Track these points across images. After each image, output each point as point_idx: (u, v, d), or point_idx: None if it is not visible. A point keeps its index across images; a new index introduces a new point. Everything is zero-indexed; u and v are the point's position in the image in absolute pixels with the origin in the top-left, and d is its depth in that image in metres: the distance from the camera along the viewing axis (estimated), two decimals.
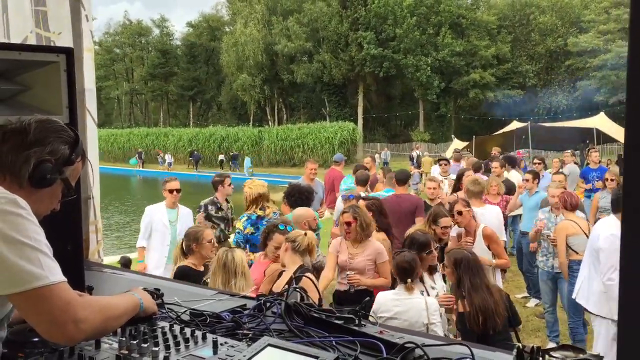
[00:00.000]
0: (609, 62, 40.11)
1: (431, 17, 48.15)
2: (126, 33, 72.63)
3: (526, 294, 8.12)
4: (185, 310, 1.96)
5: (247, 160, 42.03)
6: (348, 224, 5.01)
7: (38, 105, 2.15)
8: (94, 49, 3.13)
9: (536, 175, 8.40)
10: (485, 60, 47.63)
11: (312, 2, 52.72)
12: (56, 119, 1.74)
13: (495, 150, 15.76)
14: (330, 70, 50.53)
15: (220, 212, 7.14)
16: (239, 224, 6.39)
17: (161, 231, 6.77)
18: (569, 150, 15.33)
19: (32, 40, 2.99)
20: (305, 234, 4.30)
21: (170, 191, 6.80)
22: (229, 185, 7.20)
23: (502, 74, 48.02)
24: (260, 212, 6.36)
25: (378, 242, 5.20)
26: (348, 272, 4.96)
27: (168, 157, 46.12)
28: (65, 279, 1.43)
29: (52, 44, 2.98)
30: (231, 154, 45.16)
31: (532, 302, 7.80)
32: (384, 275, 4.99)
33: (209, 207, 7.01)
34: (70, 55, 2.17)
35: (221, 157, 45.22)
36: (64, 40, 2.98)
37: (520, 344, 1.54)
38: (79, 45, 2.99)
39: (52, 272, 1.40)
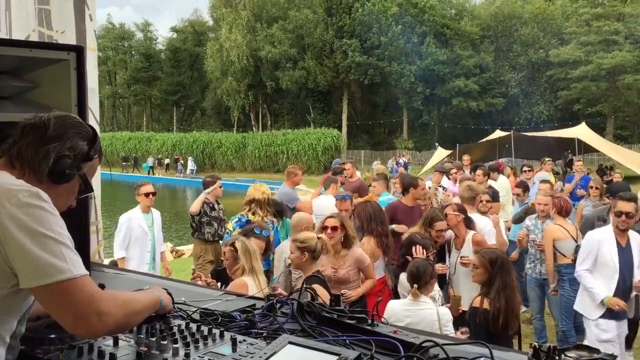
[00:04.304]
0: (589, 74, 40.71)
1: (416, 26, 48.50)
2: (109, 36, 71.92)
3: None
4: (197, 310, 1.95)
5: (190, 161, 41.50)
6: (334, 228, 4.83)
7: (47, 102, 2.12)
8: (97, 49, 3.11)
9: (526, 188, 8.55)
10: (467, 69, 48.07)
11: (297, 10, 52.82)
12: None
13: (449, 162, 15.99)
14: (315, 77, 50.58)
15: (213, 212, 7.29)
16: (230, 225, 6.54)
17: (142, 237, 6.69)
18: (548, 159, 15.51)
19: (34, 39, 2.96)
20: (319, 238, 4.28)
21: (147, 195, 6.73)
22: (220, 187, 7.32)
23: (485, 83, 48.51)
24: (252, 217, 6.40)
25: (359, 249, 5.09)
26: (342, 291, 4.68)
27: (190, 164, 41.73)
28: (88, 273, 1.43)
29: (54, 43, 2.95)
30: (175, 157, 46.17)
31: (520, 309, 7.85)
32: (368, 276, 5.04)
33: (206, 208, 7.18)
34: (80, 53, 2.16)
35: (167, 160, 46.46)
36: (67, 39, 2.96)
37: (536, 343, 1.55)
38: (82, 44, 2.97)
39: (76, 266, 1.40)
